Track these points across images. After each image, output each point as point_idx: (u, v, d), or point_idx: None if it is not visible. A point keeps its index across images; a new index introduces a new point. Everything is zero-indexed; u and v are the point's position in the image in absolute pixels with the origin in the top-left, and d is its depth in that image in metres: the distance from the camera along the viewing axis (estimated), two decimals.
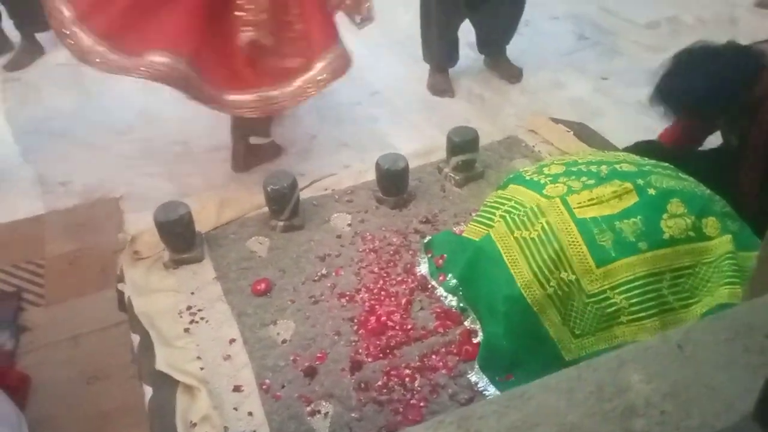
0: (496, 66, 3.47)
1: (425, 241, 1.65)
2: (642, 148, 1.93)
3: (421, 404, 1.32)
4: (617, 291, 1.34)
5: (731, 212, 1.47)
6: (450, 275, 1.53)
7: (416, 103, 3.33)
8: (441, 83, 3.37)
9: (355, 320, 1.51)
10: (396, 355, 1.42)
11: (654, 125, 2.15)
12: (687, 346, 0.64)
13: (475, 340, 1.43)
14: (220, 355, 1.44)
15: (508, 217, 1.44)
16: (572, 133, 2.13)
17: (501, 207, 1.50)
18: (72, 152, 3.00)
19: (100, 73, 2.30)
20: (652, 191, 1.40)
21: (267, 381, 1.38)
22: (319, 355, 1.43)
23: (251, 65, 2.29)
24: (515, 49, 3.50)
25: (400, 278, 1.61)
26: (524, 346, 1.37)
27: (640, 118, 2.98)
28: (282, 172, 1.80)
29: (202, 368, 1.41)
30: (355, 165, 2.74)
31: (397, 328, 1.48)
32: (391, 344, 1.44)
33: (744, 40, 1.95)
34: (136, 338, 1.56)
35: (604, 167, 1.47)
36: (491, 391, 1.35)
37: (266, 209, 1.81)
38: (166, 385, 1.40)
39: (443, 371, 1.38)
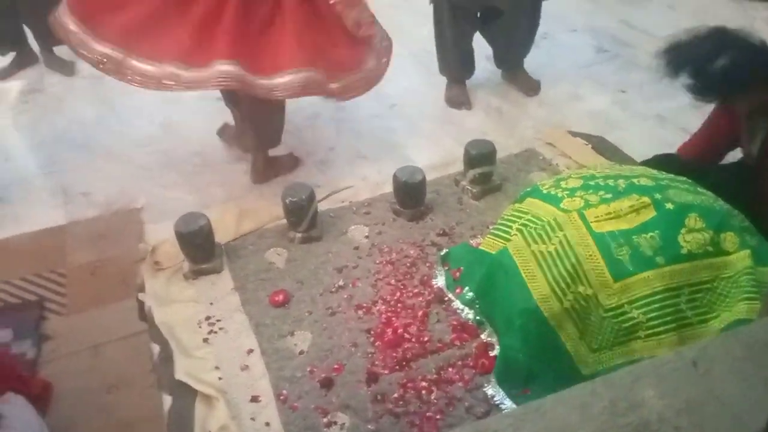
0: (514, 79, 3.48)
1: (442, 253, 1.66)
2: (660, 162, 1.92)
3: (438, 417, 1.32)
4: (635, 305, 1.34)
5: (750, 227, 1.46)
6: (467, 288, 1.53)
7: (434, 115, 3.34)
8: (458, 96, 3.38)
9: (372, 332, 1.51)
10: (412, 368, 1.42)
11: (672, 138, 2.14)
12: (701, 362, 0.64)
13: (491, 354, 1.43)
14: (238, 366, 1.45)
15: (525, 231, 1.45)
16: (590, 146, 2.12)
17: (518, 220, 1.50)
18: (94, 163, 3.05)
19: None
20: (669, 206, 1.40)
21: (284, 392, 1.39)
22: (335, 366, 1.44)
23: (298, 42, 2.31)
24: (533, 61, 3.50)
25: (416, 290, 1.62)
26: (541, 360, 1.37)
27: (658, 131, 2.98)
28: (300, 185, 1.82)
29: (220, 378, 1.42)
30: (372, 177, 2.76)
31: (413, 340, 1.48)
32: (408, 356, 1.44)
33: None
34: (156, 348, 1.58)
35: (621, 181, 1.47)
36: (508, 404, 1.34)
37: (284, 221, 1.82)
38: (185, 394, 1.41)
39: (460, 384, 1.39)
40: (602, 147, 2.13)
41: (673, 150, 2.12)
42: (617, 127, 3.05)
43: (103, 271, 2.45)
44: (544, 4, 3.22)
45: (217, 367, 1.45)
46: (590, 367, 1.36)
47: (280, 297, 1.61)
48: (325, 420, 1.33)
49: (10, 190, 2.90)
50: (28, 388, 1.80)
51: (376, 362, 1.44)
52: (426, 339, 1.48)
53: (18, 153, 3.17)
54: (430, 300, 1.58)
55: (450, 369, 1.42)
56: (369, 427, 1.31)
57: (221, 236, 1.79)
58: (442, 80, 3.44)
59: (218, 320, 1.58)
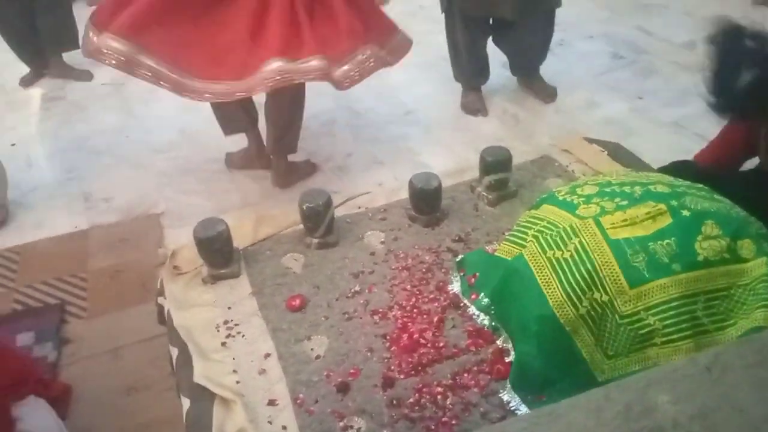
0: (530, 85, 3.48)
1: (458, 259, 1.67)
2: (677, 169, 1.91)
3: (453, 422, 1.33)
4: (651, 312, 1.34)
5: (767, 234, 1.45)
6: (482, 294, 1.54)
7: (449, 122, 3.36)
8: (474, 102, 3.38)
9: (388, 337, 1.52)
10: (428, 373, 1.43)
11: (689, 145, 2.13)
12: (715, 368, 0.65)
13: (507, 360, 1.43)
14: (256, 369, 1.47)
15: (540, 237, 1.45)
16: (606, 153, 2.12)
17: (534, 227, 1.50)
18: (114, 169, 3.10)
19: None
20: (686, 213, 1.39)
21: (301, 395, 1.40)
22: (352, 371, 1.45)
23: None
24: (549, 68, 3.50)
25: (432, 296, 1.62)
26: (556, 367, 1.37)
27: (675, 138, 2.97)
28: (317, 191, 1.83)
29: (238, 381, 1.44)
30: (388, 183, 2.78)
31: (429, 345, 1.49)
32: (423, 362, 1.45)
33: None
34: (174, 351, 1.59)
35: (637, 188, 1.47)
36: (523, 410, 1.35)
37: (301, 226, 1.84)
38: (204, 397, 1.43)
39: (475, 390, 1.39)
40: (618, 154, 2.13)
41: (689, 157, 2.11)
42: (634, 134, 3.05)
43: (123, 276, 2.49)
44: (559, 11, 3.21)
45: (234, 371, 1.47)
46: (606, 374, 1.36)
47: (297, 302, 1.62)
48: (341, 424, 1.34)
49: (33, 195, 2.95)
50: (48, 391, 1.82)
51: (392, 367, 1.45)
52: (441, 344, 1.49)
53: (40, 159, 3.23)
54: (445, 306, 1.59)
55: (465, 374, 1.42)
56: (385, 431, 1.32)
57: (239, 241, 1.81)
58: (458, 87, 3.45)
59: (236, 324, 1.59)
